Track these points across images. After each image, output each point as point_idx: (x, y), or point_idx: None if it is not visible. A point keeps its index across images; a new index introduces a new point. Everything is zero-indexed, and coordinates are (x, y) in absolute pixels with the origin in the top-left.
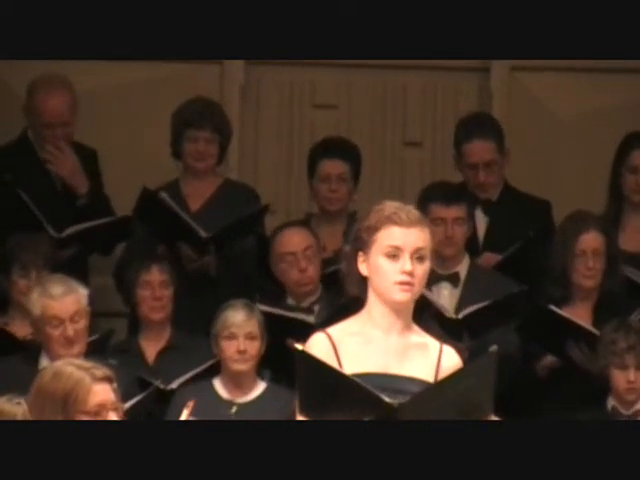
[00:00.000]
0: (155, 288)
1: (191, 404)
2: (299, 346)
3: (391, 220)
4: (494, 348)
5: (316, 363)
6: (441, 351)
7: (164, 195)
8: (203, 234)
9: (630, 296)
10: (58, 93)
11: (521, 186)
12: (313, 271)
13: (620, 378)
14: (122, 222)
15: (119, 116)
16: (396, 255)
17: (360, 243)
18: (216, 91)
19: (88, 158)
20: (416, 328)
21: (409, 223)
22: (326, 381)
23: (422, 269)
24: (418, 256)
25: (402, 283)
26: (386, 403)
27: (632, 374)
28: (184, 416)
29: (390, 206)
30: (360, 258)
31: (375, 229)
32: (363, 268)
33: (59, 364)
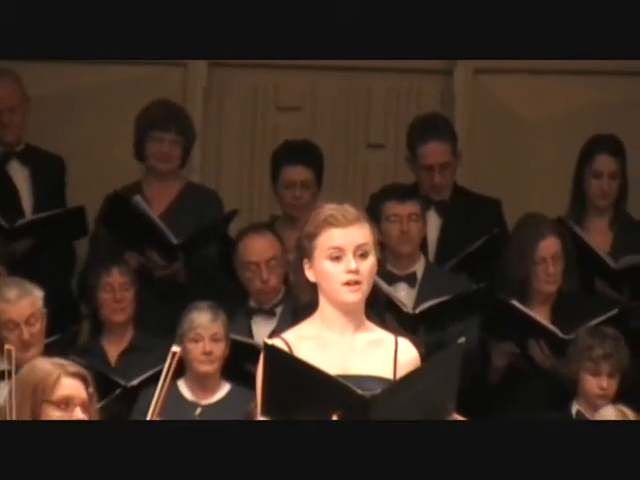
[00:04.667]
0: (116, 290)
1: (178, 351)
2: (267, 340)
3: (328, 223)
4: (462, 340)
5: (285, 357)
6: (397, 344)
7: (139, 199)
8: (174, 241)
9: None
10: (1, 79)
11: (485, 189)
12: (275, 281)
13: (592, 384)
14: (75, 213)
15: (81, 119)
16: (339, 256)
17: (303, 251)
18: (179, 93)
19: (55, 167)
20: (369, 324)
21: (346, 222)
22: (295, 375)
23: (367, 265)
24: (361, 252)
25: (349, 283)
26: (358, 396)
27: (605, 381)
28: None
29: (326, 209)
30: (306, 265)
31: (315, 235)
32: (310, 275)
33: (37, 359)
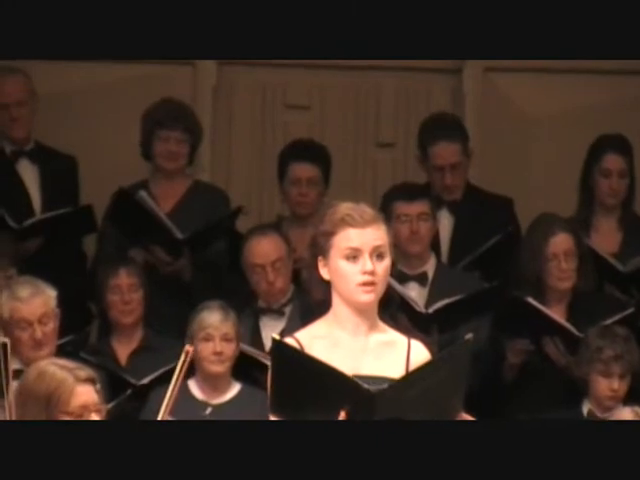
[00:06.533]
0: (124, 292)
1: (190, 350)
2: (276, 336)
3: (345, 222)
4: (470, 336)
5: (293, 352)
6: (409, 346)
7: (144, 194)
8: (179, 236)
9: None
10: (9, 75)
11: (493, 187)
12: (281, 282)
13: (603, 385)
14: (84, 212)
15: (90, 118)
16: (355, 256)
17: (318, 249)
18: (188, 92)
19: (67, 166)
20: (382, 325)
21: (364, 223)
22: (303, 370)
23: (383, 266)
24: (377, 254)
25: (365, 284)
26: (364, 389)
27: (616, 383)
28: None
29: (343, 208)
30: (320, 263)
31: (331, 233)
32: (324, 272)
33: (43, 363)
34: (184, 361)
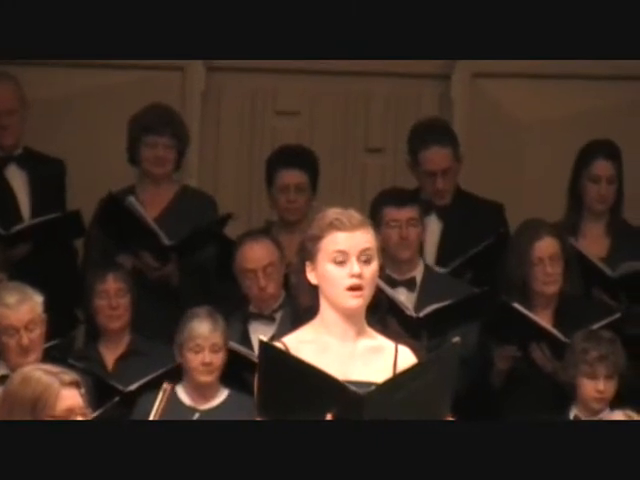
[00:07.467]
0: (111, 297)
1: (168, 388)
2: (263, 338)
3: (333, 226)
4: (457, 339)
5: (280, 354)
6: (397, 351)
7: (132, 199)
8: (167, 242)
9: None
10: (0, 84)
11: (483, 193)
12: (273, 288)
13: (589, 387)
14: (72, 217)
15: (79, 123)
16: (343, 260)
17: (306, 253)
18: (177, 97)
19: (55, 170)
20: (370, 331)
21: (352, 227)
22: (290, 372)
23: (370, 270)
24: (365, 257)
25: (352, 288)
26: (353, 392)
27: (602, 384)
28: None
29: (331, 212)
30: (308, 268)
31: (319, 238)
32: (312, 277)
33: (28, 369)
34: (162, 399)
